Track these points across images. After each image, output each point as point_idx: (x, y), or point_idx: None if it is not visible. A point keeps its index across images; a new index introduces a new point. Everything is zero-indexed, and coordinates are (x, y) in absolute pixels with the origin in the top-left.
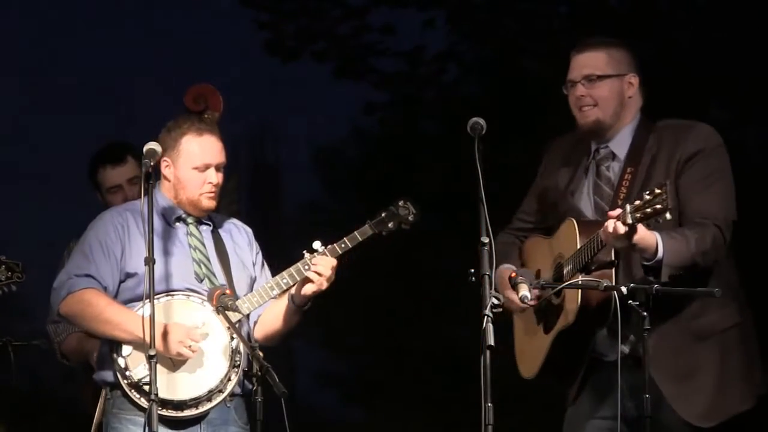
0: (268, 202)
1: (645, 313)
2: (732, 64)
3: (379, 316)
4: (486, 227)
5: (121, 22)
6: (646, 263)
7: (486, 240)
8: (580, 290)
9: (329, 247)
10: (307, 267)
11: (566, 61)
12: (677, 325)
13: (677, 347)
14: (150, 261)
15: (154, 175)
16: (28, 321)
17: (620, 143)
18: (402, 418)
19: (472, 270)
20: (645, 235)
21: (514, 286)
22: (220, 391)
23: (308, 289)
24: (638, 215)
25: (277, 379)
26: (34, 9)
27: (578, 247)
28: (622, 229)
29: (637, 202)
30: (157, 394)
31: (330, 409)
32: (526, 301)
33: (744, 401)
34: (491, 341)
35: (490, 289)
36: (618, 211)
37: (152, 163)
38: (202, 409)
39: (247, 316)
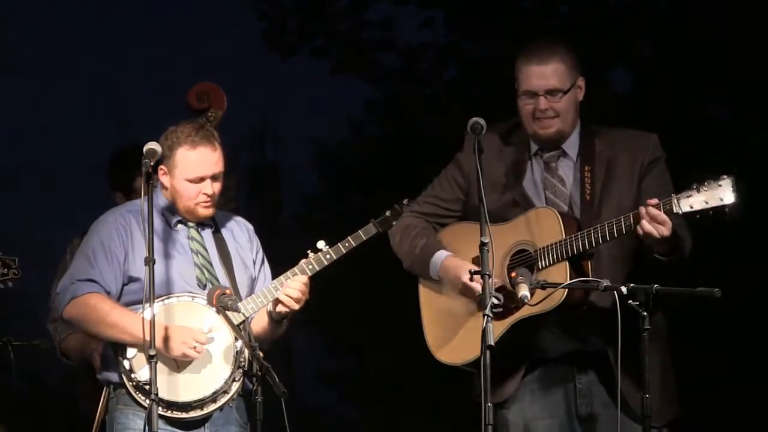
0: (268, 201)
1: (645, 313)
2: (731, 64)
3: (379, 315)
4: (486, 227)
5: (122, 21)
6: (661, 257)
7: (486, 240)
8: (567, 274)
9: (334, 246)
10: (280, 286)
11: None
12: (630, 326)
13: (632, 347)
14: (150, 261)
15: (154, 175)
16: (28, 321)
17: (570, 144)
18: (402, 417)
19: (472, 270)
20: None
21: (514, 286)
22: (225, 392)
23: (281, 309)
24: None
25: (277, 379)
26: (34, 9)
27: (563, 236)
28: (665, 216)
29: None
30: (157, 394)
31: (330, 409)
32: (526, 301)
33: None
34: (491, 341)
35: (490, 289)
36: (655, 200)
37: (152, 163)
38: (207, 410)
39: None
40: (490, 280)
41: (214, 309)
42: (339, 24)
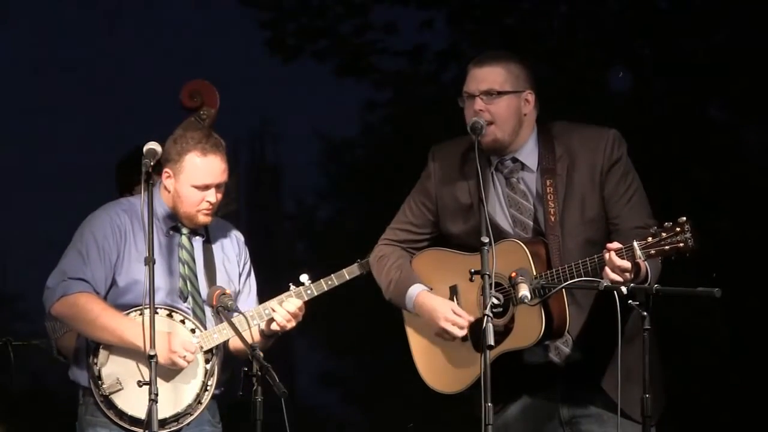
0: (268, 201)
1: (645, 313)
2: (732, 64)
3: (379, 315)
4: (486, 227)
5: (123, 22)
6: (634, 285)
7: (486, 240)
8: (542, 314)
9: (316, 282)
10: (272, 310)
11: (566, 60)
12: (609, 330)
13: (614, 352)
14: (150, 261)
15: (154, 175)
16: (28, 321)
17: (527, 154)
18: (402, 417)
19: (472, 270)
20: (641, 265)
21: (514, 286)
22: (189, 414)
23: (273, 328)
24: (652, 251)
25: (277, 379)
26: (34, 10)
27: (534, 272)
28: (627, 264)
29: (650, 239)
30: (157, 394)
31: (330, 409)
32: (526, 301)
33: (665, 395)
34: (491, 341)
35: (490, 289)
36: (616, 245)
37: (152, 163)
38: (182, 423)
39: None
40: (490, 280)
41: (213, 309)
42: (341, 26)
